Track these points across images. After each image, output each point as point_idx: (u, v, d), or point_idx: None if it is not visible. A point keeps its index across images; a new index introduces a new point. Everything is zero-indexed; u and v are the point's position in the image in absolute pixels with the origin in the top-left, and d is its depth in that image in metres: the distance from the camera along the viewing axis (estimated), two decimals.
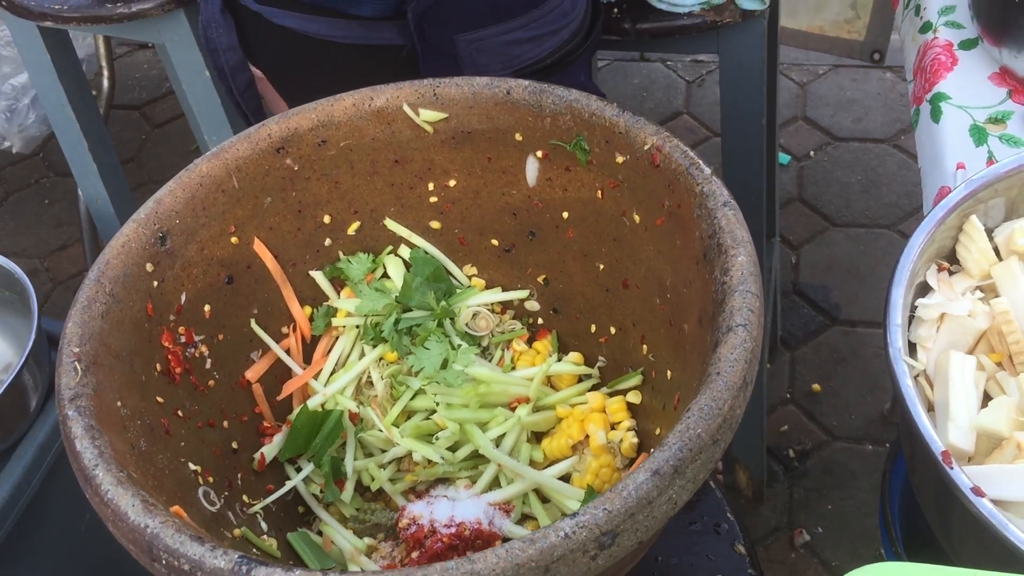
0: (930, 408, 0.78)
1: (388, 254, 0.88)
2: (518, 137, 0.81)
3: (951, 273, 0.85)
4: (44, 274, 2.39)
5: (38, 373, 1.36)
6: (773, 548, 1.85)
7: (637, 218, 0.77)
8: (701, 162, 0.71)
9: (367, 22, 1.03)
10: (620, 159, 0.76)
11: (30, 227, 2.50)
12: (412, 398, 0.83)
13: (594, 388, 0.85)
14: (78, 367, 0.66)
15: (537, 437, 0.84)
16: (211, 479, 0.74)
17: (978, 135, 1.07)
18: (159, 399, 0.73)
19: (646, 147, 0.74)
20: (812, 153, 2.43)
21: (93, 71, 2.23)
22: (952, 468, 0.69)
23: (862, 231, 2.28)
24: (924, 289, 0.83)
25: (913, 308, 0.81)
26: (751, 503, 1.89)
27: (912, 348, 0.81)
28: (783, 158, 2.40)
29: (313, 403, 0.83)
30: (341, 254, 0.87)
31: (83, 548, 1.46)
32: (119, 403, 0.68)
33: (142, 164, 2.58)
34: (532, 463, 0.81)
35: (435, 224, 0.87)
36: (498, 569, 0.54)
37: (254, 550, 0.72)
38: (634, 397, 0.81)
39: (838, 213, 2.31)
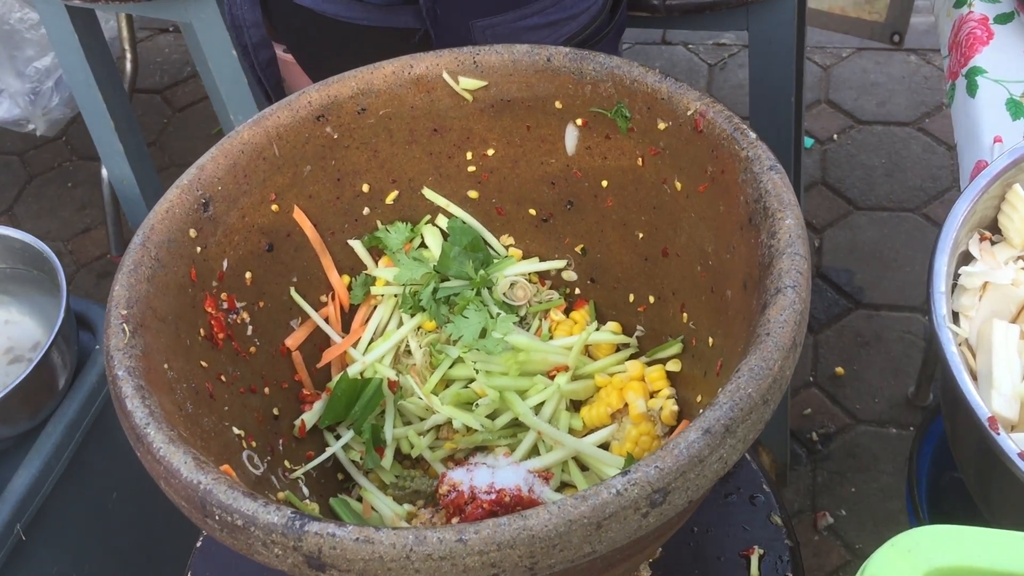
0: (973, 377, 0.78)
1: (426, 223, 0.88)
2: (558, 105, 0.81)
3: (993, 243, 0.84)
4: (68, 257, 2.40)
5: (67, 352, 1.37)
6: (796, 530, 1.85)
7: (678, 185, 0.77)
8: (745, 126, 0.71)
9: (383, 5, 1.03)
10: (662, 126, 0.76)
11: (54, 210, 2.52)
12: (451, 366, 0.83)
13: (632, 357, 0.85)
14: (126, 329, 0.66)
15: (575, 406, 0.84)
16: (254, 444, 0.75)
17: (1015, 108, 1.06)
18: (203, 363, 0.73)
19: (689, 113, 0.74)
20: (835, 136, 2.41)
21: (116, 54, 2.24)
22: (999, 434, 0.69)
23: (886, 215, 2.27)
24: (966, 259, 0.83)
25: (956, 277, 0.81)
26: (774, 485, 1.89)
27: (954, 317, 0.80)
28: (807, 141, 2.39)
29: (352, 371, 0.83)
30: (379, 223, 0.87)
31: (111, 524, 1.47)
32: (166, 365, 0.68)
33: (164, 147, 2.58)
34: (571, 431, 0.81)
35: (473, 194, 0.87)
36: (550, 525, 0.54)
37: None
38: (674, 365, 0.81)
39: (862, 196, 2.30)
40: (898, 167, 2.34)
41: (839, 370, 2.04)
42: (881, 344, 2.07)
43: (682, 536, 0.88)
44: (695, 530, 0.89)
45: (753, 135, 0.70)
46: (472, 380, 0.83)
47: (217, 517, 0.57)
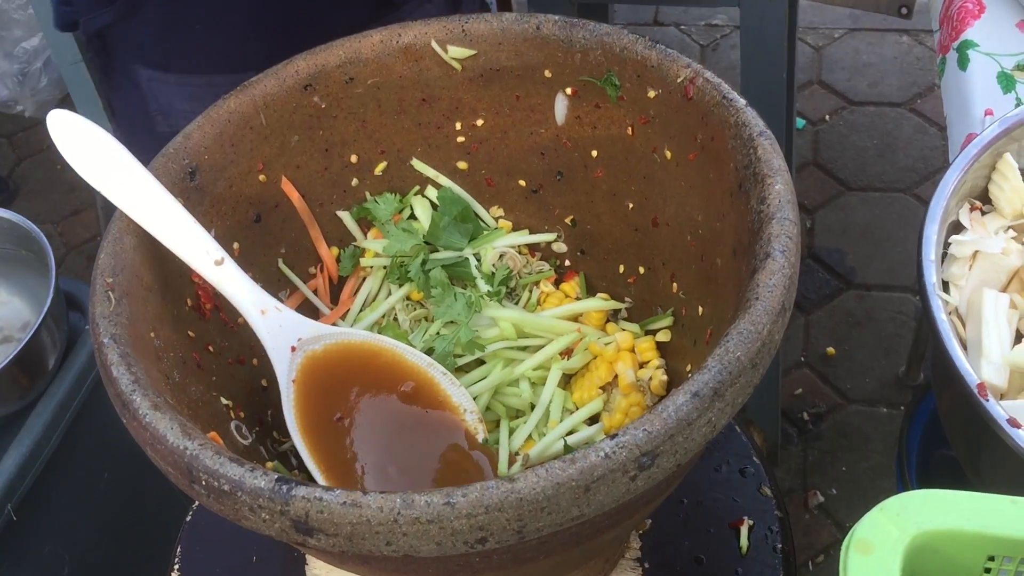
0: (962, 346, 0.78)
1: (415, 194, 0.87)
2: (547, 74, 0.80)
3: (983, 213, 0.84)
4: (58, 239, 2.39)
5: (56, 332, 1.36)
6: (787, 509, 1.86)
7: (668, 154, 0.77)
8: (735, 93, 0.71)
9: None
10: (652, 94, 0.76)
11: (43, 192, 2.50)
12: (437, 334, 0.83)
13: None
14: (112, 296, 0.65)
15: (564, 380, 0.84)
16: (242, 414, 0.74)
17: (1006, 82, 1.06)
18: (190, 333, 0.73)
19: (679, 80, 0.73)
20: (827, 117, 2.41)
21: None
22: (988, 400, 0.69)
23: (877, 195, 2.27)
24: (956, 229, 0.83)
25: (946, 247, 0.81)
26: (764, 458, 1.90)
27: (944, 287, 0.80)
28: (798, 122, 2.39)
29: None
30: (368, 194, 0.86)
31: (102, 505, 1.47)
32: (152, 334, 0.68)
33: None
34: (564, 410, 0.81)
35: (462, 164, 0.87)
36: (538, 488, 0.54)
37: None
38: (663, 336, 0.81)
39: (853, 177, 2.30)
40: (890, 148, 2.34)
41: (830, 350, 2.04)
42: (872, 324, 2.08)
43: (672, 507, 0.88)
44: (685, 501, 0.89)
45: (742, 101, 0.70)
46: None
47: (204, 483, 0.56)
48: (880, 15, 2.57)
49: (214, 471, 0.56)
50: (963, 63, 1.10)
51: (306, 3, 1.01)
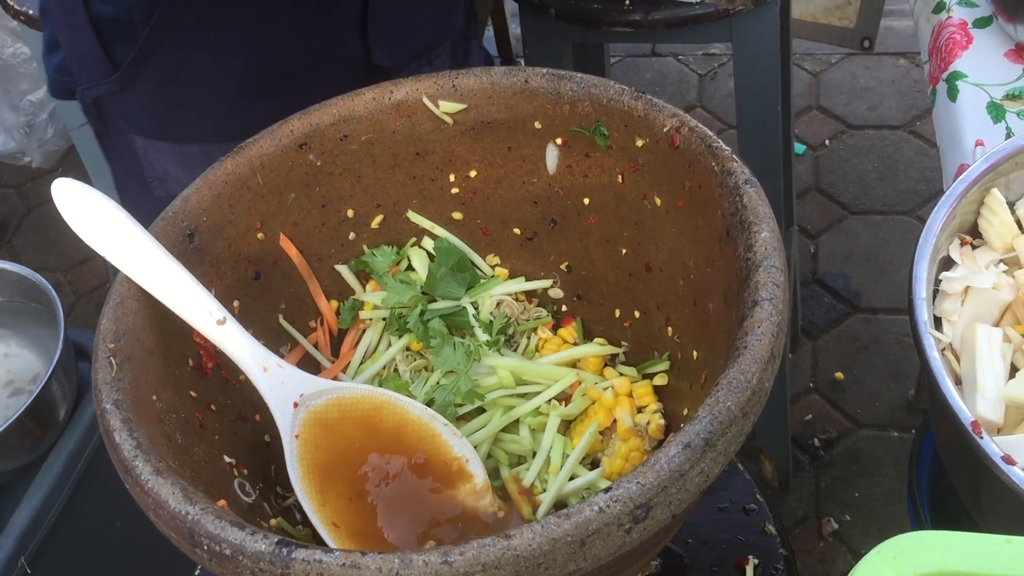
0: (957, 382, 0.78)
1: (412, 246, 0.88)
2: (537, 125, 0.82)
3: (974, 247, 0.85)
4: (67, 287, 2.42)
5: (66, 383, 1.37)
6: (801, 537, 1.85)
7: (658, 201, 0.78)
8: (720, 142, 0.72)
9: None
10: (640, 143, 0.77)
11: (52, 241, 2.53)
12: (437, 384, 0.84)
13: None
14: (113, 362, 0.67)
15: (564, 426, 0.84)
16: (245, 471, 0.75)
17: (996, 112, 1.07)
18: (192, 393, 0.74)
19: (665, 129, 0.75)
20: (827, 142, 2.43)
21: None
22: (982, 438, 0.69)
23: (880, 218, 2.28)
24: (947, 264, 0.83)
25: (937, 282, 0.81)
26: (777, 493, 1.89)
27: (937, 323, 0.81)
28: (798, 148, 2.40)
29: None
30: (365, 247, 0.88)
31: (114, 555, 1.48)
32: (154, 397, 0.69)
33: None
34: (564, 456, 0.81)
35: (457, 215, 0.88)
36: (534, 544, 0.54)
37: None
38: (660, 380, 0.81)
39: (855, 201, 2.31)
40: (891, 170, 2.35)
41: (839, 375, 2.04)
42: (880, 348, 2.08)
43: (677, 548, 0.88)
44: (690, 542, 0.89)
45: (728, 150, 0.71)
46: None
47: (206, 547, 0.57)
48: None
49: (215, 535, 0.57)
50: (953, 94, 1.11)
51: (293, 75, 1.02)
